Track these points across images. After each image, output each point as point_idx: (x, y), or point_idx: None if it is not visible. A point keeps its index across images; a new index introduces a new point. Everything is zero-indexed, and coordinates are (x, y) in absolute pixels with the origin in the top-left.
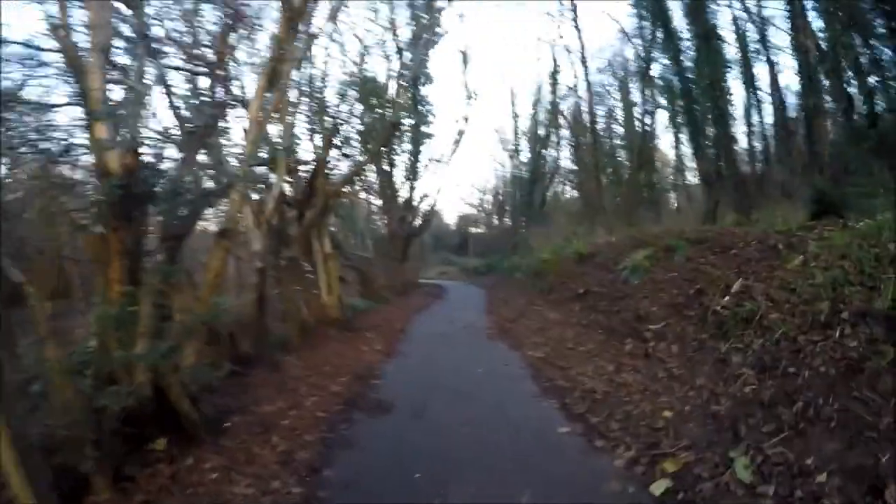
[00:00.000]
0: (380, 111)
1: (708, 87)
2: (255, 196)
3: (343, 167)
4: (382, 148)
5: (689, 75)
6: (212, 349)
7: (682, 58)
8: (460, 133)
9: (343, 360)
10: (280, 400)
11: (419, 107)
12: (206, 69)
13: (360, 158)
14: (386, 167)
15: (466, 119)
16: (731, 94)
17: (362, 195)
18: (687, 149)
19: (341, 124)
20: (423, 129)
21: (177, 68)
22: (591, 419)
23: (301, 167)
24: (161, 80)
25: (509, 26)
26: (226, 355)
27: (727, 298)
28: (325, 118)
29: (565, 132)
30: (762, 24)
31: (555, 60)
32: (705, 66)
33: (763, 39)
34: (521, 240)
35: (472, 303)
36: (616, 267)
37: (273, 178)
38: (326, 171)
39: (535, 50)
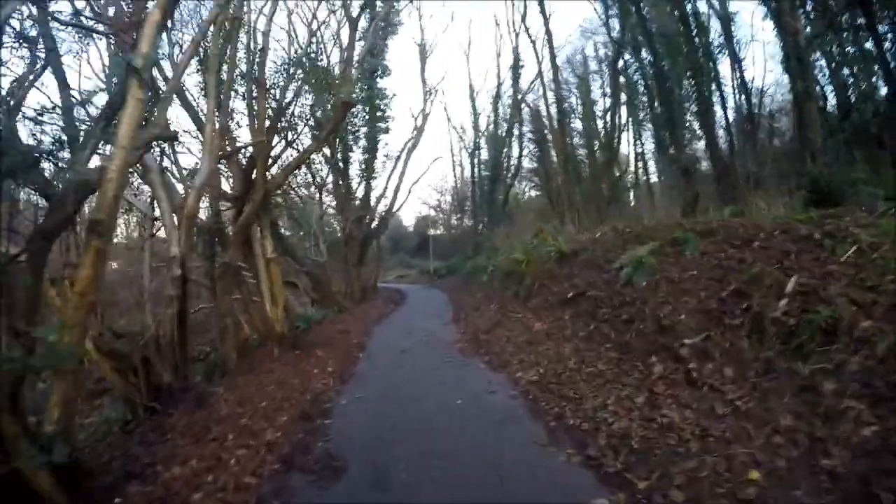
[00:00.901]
0: (330, 92)
1: (689, 74)
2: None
3: (289, 157)
4: (333, 134)
5: (665, 64)
6: (122, 382)
7: (657, 45)
8: (419, 130)
9: (287, 389)
10: (197, 455)
11: (376, 101)
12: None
13: (308, 146)
14: (340, 164)
15: (425, 115)
16: (713, 81)
17: (314, 194)
18: (649, 144)
19: (286, 107)
20: (380, 124)
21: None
22: (637, 483)
23: (239, 154)
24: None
25: (470, 19)
26: (139, 388)
27: (785, 302)
28: (267, 100)
29: (528, 127)
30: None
31: (517, 53)
32: (683, 52)
33: (727, 34)
34: (483, 240)
35: (435, 309)
36: (611, 266)
37: (201, 164)
38: (269, 159)
39: (496, 43)
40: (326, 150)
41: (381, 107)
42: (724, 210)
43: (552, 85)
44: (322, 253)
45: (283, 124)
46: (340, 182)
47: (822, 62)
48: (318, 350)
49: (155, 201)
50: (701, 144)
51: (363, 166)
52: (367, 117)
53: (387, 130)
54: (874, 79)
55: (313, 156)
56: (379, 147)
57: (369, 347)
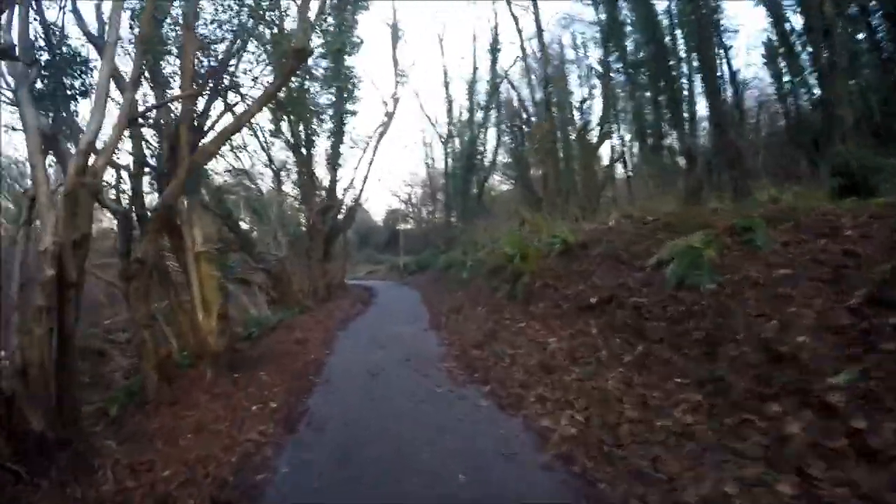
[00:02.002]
0: (278, 36)
1: (694, 46)
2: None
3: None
4: (280, 91)
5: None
6: None
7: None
8: (389, 116)
9: (207, 441)
10: None
11: (343, 81)
12: None
13: (249, 107)
14: (303, 149)
15: (396, 100)
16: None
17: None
18: (625, 133)
19: (225, 61)
20: (348, 105)
21: None
22: None
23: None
24: None
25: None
26: None
27: None
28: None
29: (506, 111)
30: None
31: (495, 32)
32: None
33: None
34: (458, 233)
35: (409, 310)
36: (643, 261)
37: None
38: (197, 124)
39: (472, 26)
40: (287, 132)
41: (349, 86)
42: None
43: (536, 62)
44: (281, 247)
45: (221, 83)
46: (303, 169)
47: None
48: (264, 371)
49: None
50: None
51: (329, 152)
52: (332, 98)
53: (354, 113)
54: None
55: (270, 137)
56: (346, 131)
57: (329, 367)
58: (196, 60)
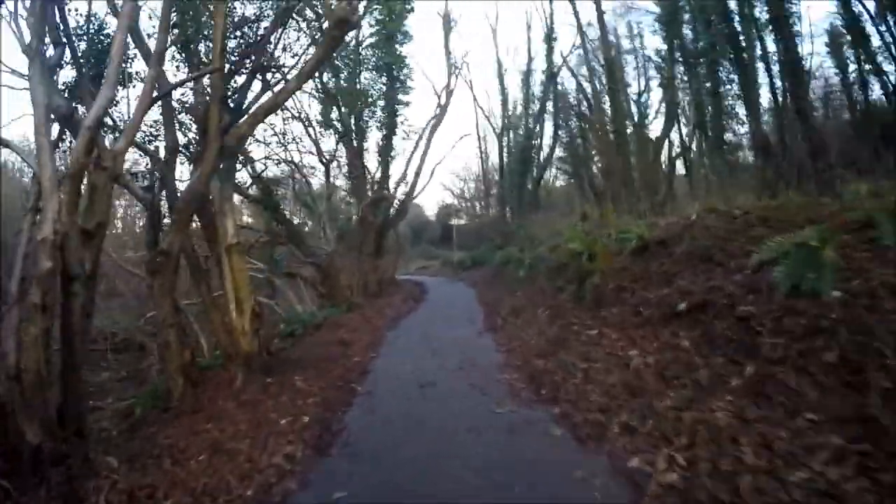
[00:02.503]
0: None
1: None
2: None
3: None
4: (322, 65)
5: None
6: None
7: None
8: (442, 107)
9: (223, 463)
10: None
11: (395, 68)
12: None
13: (287, 83)
14: (353, 139)
15: (450, 92)
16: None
17: (318, 173)
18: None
19: (261, 37)
20: (400, 95)
21: None
22: None
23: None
24: None
25: None
26: None
27: None
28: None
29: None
30: None
31: (550, 21)
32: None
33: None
34: (515, 229)
35: (463, 309)
36: (740, 261)
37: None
38: (230, 103)
39: (526, 14)
40: (337, 123)
41: (401, 77)
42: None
43: (593, 50)
44: (329, 240)
45: (259, 61)
46: (354, 161)
47: None
48: (300, 377)
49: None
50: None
51: (381, 143)
52: (384, 87)
53: (407, 104)
54: None
55: (320, 128)
56: (398, 122)
57: (374, 373)
58: (234, 38)
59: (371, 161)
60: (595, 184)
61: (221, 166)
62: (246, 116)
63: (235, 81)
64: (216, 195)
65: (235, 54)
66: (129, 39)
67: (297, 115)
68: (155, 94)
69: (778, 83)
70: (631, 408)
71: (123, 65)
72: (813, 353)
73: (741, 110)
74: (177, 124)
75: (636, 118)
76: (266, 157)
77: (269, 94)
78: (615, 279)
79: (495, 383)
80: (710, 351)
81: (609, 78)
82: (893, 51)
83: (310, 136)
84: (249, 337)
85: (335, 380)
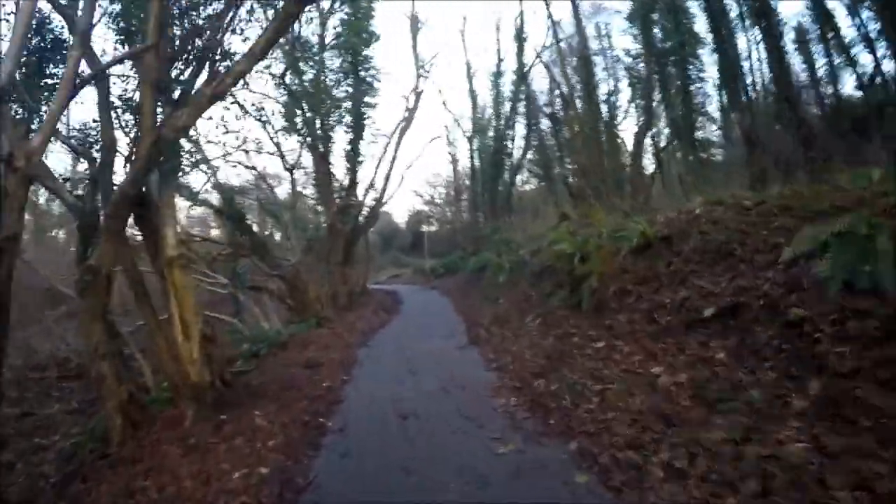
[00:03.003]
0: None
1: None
2: None
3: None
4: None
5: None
6: None
7: None
8: (411, 110)
9: None
10: None
11: (361, 70)
12: None
13: (235, 64)
14: (319, 143)
15: (418, 94)
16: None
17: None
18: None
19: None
20: (367, 98)
21: None
22: None
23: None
24: None
25: None
26: None
27: None
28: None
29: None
30: None
31: (521, 18)
32: None
33: None
34: (489, 233)
35: (441, 319)
36: (771, 257)
37: None
38: (174, 98)
39: (495, 14)
40: (300, 125)
41: (368, 78)
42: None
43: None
44: (295, 251)
45: (205, 45)
46: (320, 167)
47: None
48: (260, 413)
49: None
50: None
51: (348, 147)
52: (350, 89)
53: (374, 105)
54: None
55: (283, 133)
56: (365, 125)
57: (346, 404)
58: (178, 24)
59: (338, 167)
60: (571, 184)
61: (160, 165)
62: (186, 108)
63: (181, 71)
64: (155, 200)
65: (178, 39)
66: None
67: (257, 117)
68: (81, 78)
69: (749, 78)
70: (671, 442)
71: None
72: (893, 363)
73: (712, 107)
74: (116, 120)
75: (606, 118)
76: (223, 156)
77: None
78: (616, 282)
79: (490, 412)
80: (756, 364)
81: (585, 73)
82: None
83: (272, 140)
84: (199, 366)
85: (301, 413)
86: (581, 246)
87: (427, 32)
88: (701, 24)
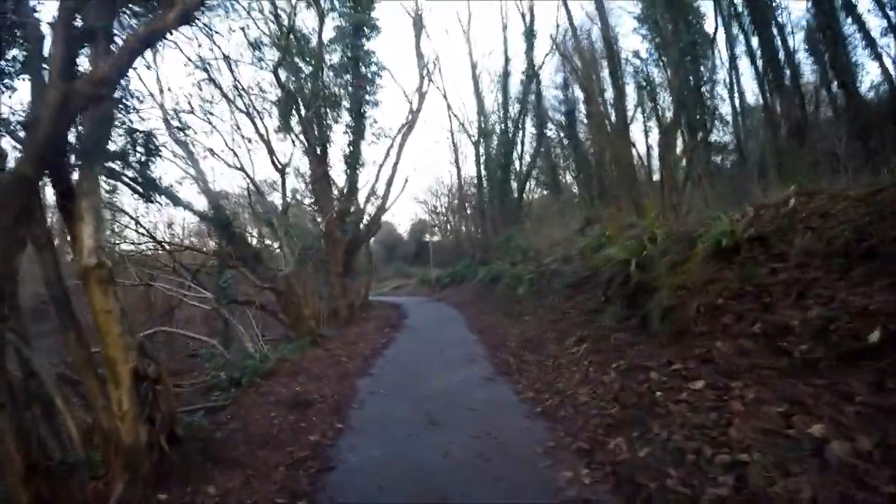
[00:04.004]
0: None
1: None
2: None
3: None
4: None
5: None
6: None
7: None
8: (414, 112)
9: None
10: None
11: (361, 67)
12: None
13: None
14: (316, 144)
15: (422, 94)
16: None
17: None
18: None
19: None
20: (368, 96)
21: None
22: None
23: None
24: None
25: None
26: None
27: None
28: None
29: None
30: None
31: (531, 15)
32: None
33: None
34: (502, 241)
35: (454, 339)
36: None
37: None
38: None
39: (501, 13)
40: (297, 127)
41: (369, 74)
42: None
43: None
44: (288, 261)
45: None
46: (318, 170)
47: None
48: (216, 490)
49: None
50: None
51: (348, 150)
52: (350, 86)
53: (376, 103)
54: None
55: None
56: (366, 125)
57: (339, 474)
58: None
59: (337, 171)
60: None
61: (76, 135)
62: (111, 57)
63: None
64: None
65: None
66: None
67: (245, 110)
68: None
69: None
70: None
71: None
72: None
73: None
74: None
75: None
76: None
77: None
78: (700, 296)
79: (557, 496)
80: None
81: (609, 61)
82: None
83: (262, 137)
84: (131, 421)
85: (275, 494)
86: (637, 250)
87: (429, 33)
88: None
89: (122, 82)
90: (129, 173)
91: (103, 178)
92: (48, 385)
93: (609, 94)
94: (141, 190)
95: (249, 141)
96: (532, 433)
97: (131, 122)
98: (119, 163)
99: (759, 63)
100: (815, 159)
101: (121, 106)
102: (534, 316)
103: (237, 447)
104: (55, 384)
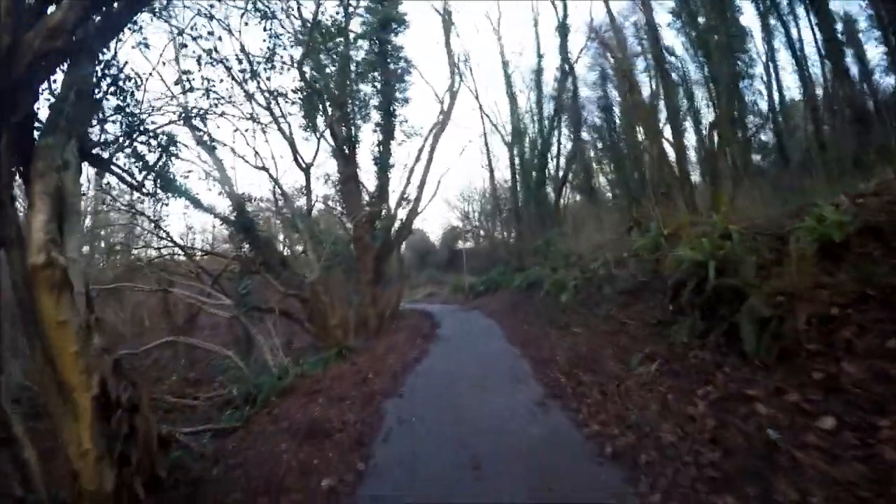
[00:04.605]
0: None
1: None
2: None
3: None
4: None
5: None
6: None
7: None
8: (445, 112)
9: None
10: None
11: (390, 63)
12: None
13: None
14: (343, 143)
15: (453, 93)
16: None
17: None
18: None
19: None
20: (398, 94)
21: None
22: None
23: None
24: None
25: None
26: None
27: None
28: None
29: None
30: None
31: (564, 7)
32: None
33: None
34: (541, 245)
35: (491, 353)
36: None
37: None
38: None
39: (532, 10)
40: (321, 122)
41: (398, 71)
42: None
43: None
44: (313, 267)
45: None
46: (346, 172)
47: None
48: None
49: None
50: None
51: (378, 149)
52: (378, 85)
53: (406, 101)
54: None
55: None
56: (396, 124)
57: None
58: None
59: (366, 173)
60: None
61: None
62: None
63: None
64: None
65: None
66: None
67: (267, 106)
68: None
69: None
70: None
71: None
72: None
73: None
74: None
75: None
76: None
77: None
78: (806, 303)
79: None
80: None
81: (654, 46)
82: None
83: (283, 133)
84: (93, 463)
85: None
86: (713, 250)
87: (460, 31)
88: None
89: (116, 62)
90: (123, 163)
91: (88, 166)
92: (4, 405)
93: (646, 90)
94: (134, 183)
95: (264, 130)
96: (608, 486)
97: (127, 105)
98: (127, 157)
99: (812, 49)
100: (882, 146)
101: (114, 87)
102: (584, 327)
103: (232, 493)
104: (10, 404)
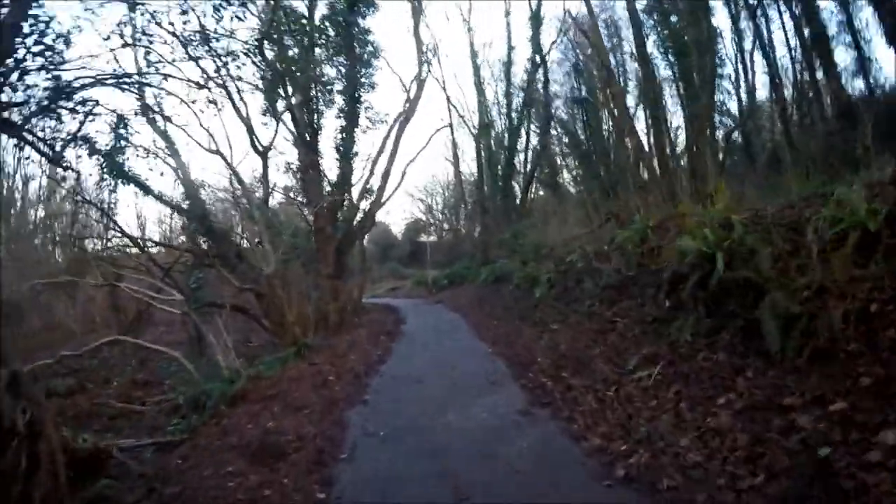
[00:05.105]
0: None
1: None
2: None
3: None
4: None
5: None
6: None
7: None
8: (412, 100)
9: None
10: None
11: (356, 47)
12: None
13: None
14: (304, 129)
15: (421, 82)
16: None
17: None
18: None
19: None
20: (364, 79)
21: None
22: None
23: None
24: None
25: None
26: None
27: None
28: None
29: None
30: None
31: None
32: None
33: None
34: (508, 238)
35: (461, 350)
36: None
37: None
38: None
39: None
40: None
41: (365, 55)
42: None
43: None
44: (269, 259)
45: None
46: (306, 159)
47: None
48: None
49: None
50: None
51: (341, 136)
52: (343, 67)
53: (372, 86)
54: None
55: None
56: (360, 110)
57: None
58: None
59: (328, 162)
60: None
61: None
62: None
63: None
64: None
65: None
66: None
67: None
68: None
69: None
70: None
71: None
72: None
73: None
74: None
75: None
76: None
77: None
78: (841, 299)
79: None
80: None
81: (636, 35)
82: None
83: (238, 113)
84: None
85: None
86: (721, 241)
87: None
88: None
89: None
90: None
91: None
92: None
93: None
94: (48, 152)
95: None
96: None
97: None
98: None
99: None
100: (866, 145)
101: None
102: (565, 325)
103: None
104: None
